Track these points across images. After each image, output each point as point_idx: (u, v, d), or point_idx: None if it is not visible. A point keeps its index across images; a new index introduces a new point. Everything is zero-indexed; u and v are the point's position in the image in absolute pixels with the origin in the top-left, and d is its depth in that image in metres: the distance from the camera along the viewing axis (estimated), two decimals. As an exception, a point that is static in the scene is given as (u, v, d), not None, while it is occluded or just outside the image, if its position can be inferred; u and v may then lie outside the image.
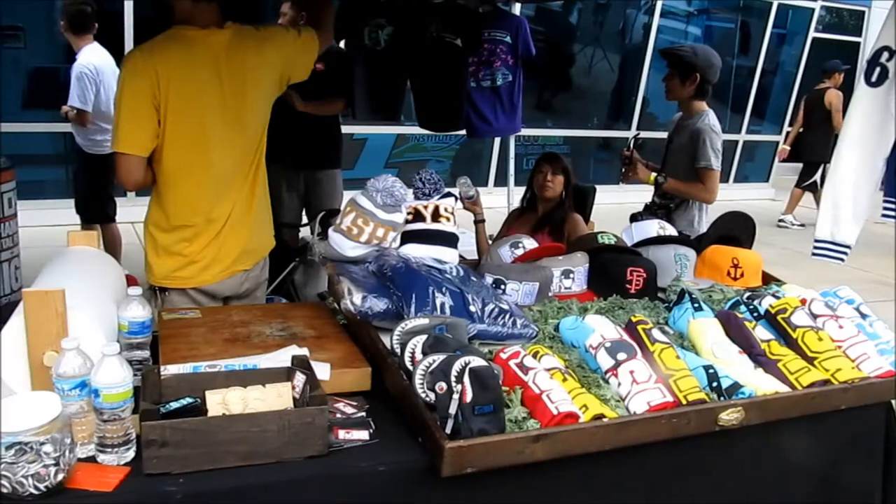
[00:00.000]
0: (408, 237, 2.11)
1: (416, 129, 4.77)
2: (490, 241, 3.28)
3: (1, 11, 7.09)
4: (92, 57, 4.94)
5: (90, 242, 1.94)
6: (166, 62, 2.18)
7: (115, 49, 5.31)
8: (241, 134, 2.34)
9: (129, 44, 7.03)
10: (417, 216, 2.13)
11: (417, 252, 2.05)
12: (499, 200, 5.49)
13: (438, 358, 1.55)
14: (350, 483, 1.47)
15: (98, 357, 1.44)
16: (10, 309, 3.91)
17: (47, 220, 5.64)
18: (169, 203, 2.31)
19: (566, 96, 9.84)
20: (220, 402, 1.53)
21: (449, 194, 2.21)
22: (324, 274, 4.26)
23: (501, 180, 7.74)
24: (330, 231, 2.08)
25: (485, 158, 8.75)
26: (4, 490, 1.29)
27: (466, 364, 1.49)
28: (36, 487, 1.29)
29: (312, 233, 4.13)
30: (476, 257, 2.92)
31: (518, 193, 3.95)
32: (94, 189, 5.21)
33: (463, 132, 4.66)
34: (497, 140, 8.05)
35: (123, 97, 2.18)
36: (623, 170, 3.47)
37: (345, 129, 4.85)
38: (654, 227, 2.64)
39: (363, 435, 1.56)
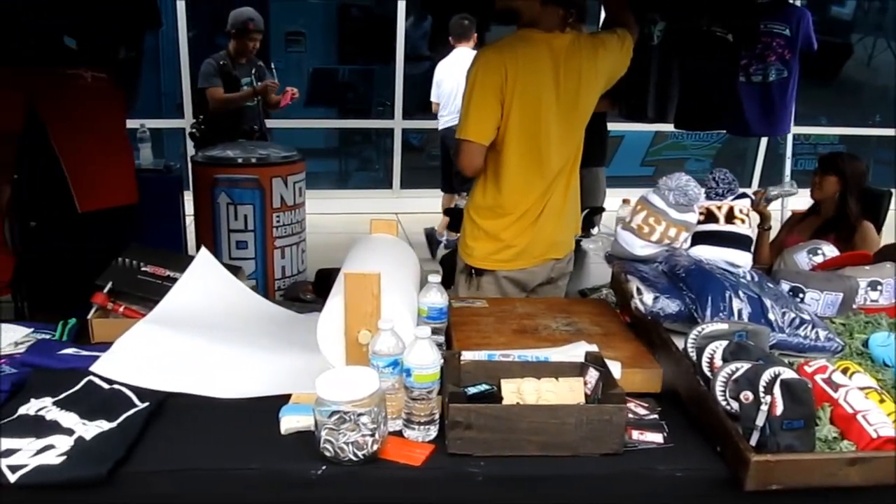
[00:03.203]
0: (699, 238, 2.04)
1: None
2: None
3: (286, 19, 7.80)
4: (446, 59, 5.98)
5: (390, 230, 2.07)
6: (515, 60, 2.37)
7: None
8: (570, 132, 2.52)
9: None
10: (710, 217, 2.05)
11: (709, 254, 1.98)
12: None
13: (743, 366, 1.48)
14: (645, 485, 1.44)
15: (409, 338, 1.53)
16: (295, 288, 4.26)
17: (320, 209, 6.07)
18: (497, 191, 2.50)
19: (842, 91, 9.05)
20: (514, 392, 1.57)
21: (744, 195, 2.11)
22: (587, 269, 4.27)
23: (766, 181, 7.30)
24: (618, 229, 2.07)
25: (749, 158, 8.28)
26: (327, 454, 1.40)
27: (777, 375, 1.41)
28: (355, 454, 1.40)
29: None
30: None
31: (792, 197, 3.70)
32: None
33: (723, 130, 4.44)
34: (764, 139, 7.60)
35: (474, 90, 2.39)
36: None
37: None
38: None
39: (657, 438, 1.53)
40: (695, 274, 1.83)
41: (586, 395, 1.57)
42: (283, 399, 1.61)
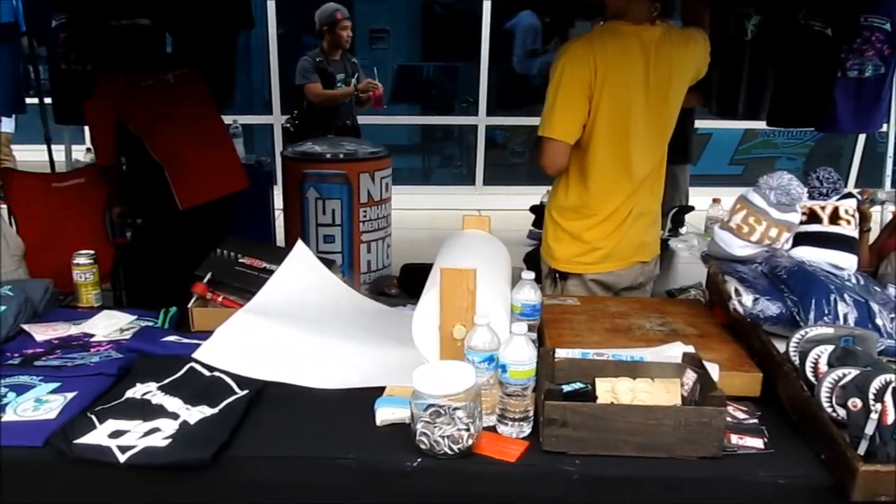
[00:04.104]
0: (801, 239, 1.97)
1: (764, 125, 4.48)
2: None
3: (371, 16, 7.89)
4: None
5: (482, 226, 2.07)
6: (604, 53, 2.26)
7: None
8: (658, 130, 2.42)
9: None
10: (813, 217, 1.99)
11: (812, 255, 1.92)
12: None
13: (851, 372, 1.43)
14: (746, 491, 1.41)
15: (504, 334, 1.53)
16: (380, 283, 4.31)
17: (403, 205, 6.12)
18: (583, 191, 2.40)
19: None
20: (609, 391, 1.55)
21: (850, 195, 2.03)
22: (675, 269, 4.19)
23: (864, 181, 7.01)
24: (716, 228, 2.02)
25: (845, 157, 7.97)
26: (423, 446, 1.42)
27: (888, 382, 1.35)
28: (450, 448, 1.41)
29: (663, 229, 4.06)
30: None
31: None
32: None
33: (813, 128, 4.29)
34: (861, 137, 7.30)
35: (561, 85, 2.28)
36: None
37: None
38: None
39: (757, 443, 1.49)
40: (797, 275, 1.77)
41: (683, 396, 1.54)
42: (376, 391, 1.63)
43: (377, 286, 4.13)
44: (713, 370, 1.64)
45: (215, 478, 1.43)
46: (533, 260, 3.42)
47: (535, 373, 1.49)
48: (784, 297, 1.75)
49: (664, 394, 1.54)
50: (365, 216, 4.41)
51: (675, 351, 1.68)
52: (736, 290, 1.81)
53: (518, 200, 6.47)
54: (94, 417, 1.54)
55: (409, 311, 2.12)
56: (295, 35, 7.76)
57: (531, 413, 1.50)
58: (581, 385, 1.55)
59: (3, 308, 2.02)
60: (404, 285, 3.96)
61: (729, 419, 1.55)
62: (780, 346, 1.67)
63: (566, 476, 1.40)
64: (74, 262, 2.22)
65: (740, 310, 1.77)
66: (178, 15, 3.42)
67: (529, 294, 1.79)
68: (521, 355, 1.44)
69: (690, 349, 1.69)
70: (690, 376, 1.55)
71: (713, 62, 4.03)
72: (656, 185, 2.49)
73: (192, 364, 1.74)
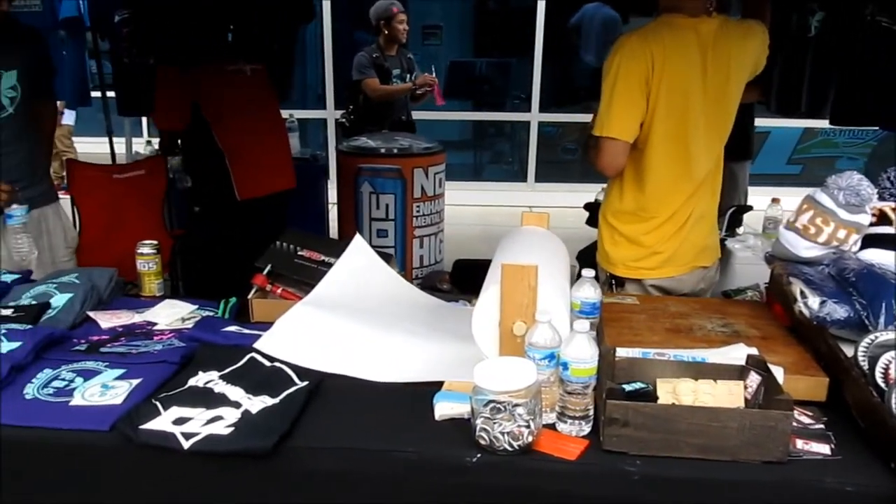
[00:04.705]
0: (870, 241, 1.92)
1: (825, 123, 4.37)
2: None
3: (423, 13, 7.91)
4: None
5: (541, 223, 2.05)
6: (662, 48, 2.18)
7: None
8: (717, 127, 2.32)
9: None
10: (883, 219, 1.93)
11: (883, 258, 1.86)
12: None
13: (924, 378, 1.39)
14: (812, 497, 1.38)
15: (565, 332, 1.52)
16: (432, 278, 4.32)
17: (454, 200, 6.12)
18: (640, 193, 2.32)
19: None
20: (670, 391, 1.53)
21: (922, 196, 1.97)
22: (732, 270, 4.12)
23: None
24: (781, 229, 1.97)
25: (910, 157, 7.77)
26: (482, 442, 1.42)
27: (965, 390, 1.31)
28: (510, 444, 1.40)
29: (721, 228, 3.99)
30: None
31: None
32: None
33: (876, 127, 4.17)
34: (928, 136, 7.08)
35: (618, 81, 2.20)
36: None
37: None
38: None
39: (824, 449, 1.46)
40: (867, 278, 1.73)
41: (746, 399, 1.51)
42: (434, 385, 1.63)
43: (429, 281, 4.14)
44: (777, 373, 1.61)
45: (276, 467, 1.44)
46: (586, 258, 3.40)
47: (597, 371, 1.48)
48: (852, 300, 1.71)
49: (727, 396, 1.52)
50: (418, 211, 4.43)
51: (738, 353, 1.65)
52: (802, 293, 1.77)
53: (570, 198, 6.41)
54: (158, 404, 1.57)
55: (465, 307, 2.13)
56: (348, 31, 7.82)
57: (591, 412, 1.49)
58: (642, 385, 1.54)
59: (71, 295, 2.07)
60: (456, 281, 3.96)
61: (795, 423, 1.52)
62: (847, 351, 1.62)
63: (627, 476, 1.39)
64: (138, 251, 2.27)
65: (806, 312, 1.73)
66: (241, 9, 3.47)
67: (589, 292, 1.77)
68: (583, 353, 1.43)
69: (754, 351, 1.66)
70: (754, 379, 1.52)
71: (774, 58, 3.95)
72: (716, 185, 2.40)
73: (253, 354, 1.77)
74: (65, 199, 3.30)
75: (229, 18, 3.54)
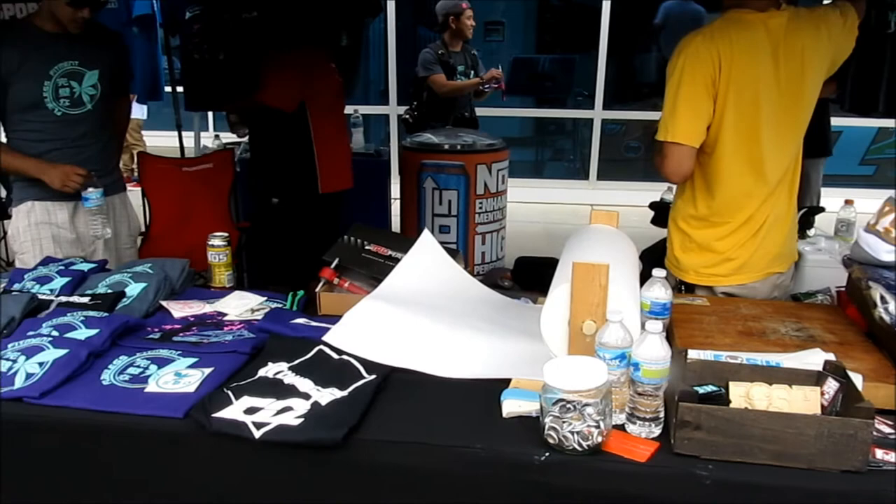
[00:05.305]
0: (955, 245, 1.85)
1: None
2: None
3: (486, 9, 7.91)
4: None
5: (610, 221, 2.03)
6: (729, 47, 2.09)
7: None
8: (792, 126, 2.22)
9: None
10: (969, 222, 1.86)
11: (968, 263, 1.80)
12: None
13: None
14: (892, 509, 1.34)
15: (636, 332, 1.51)
16: (493, 275, 4.31)
17: (515, 197, 6.11)
18: (710, 198, 2.24)
19: None
20: (743, 395, 1.50)
21: None
22: (802, 273, 4.02)
23: None
24: (861, 231, 1.92)
25: None
26: (551, 441, 1.41)
27: None
28: (579, 444, 1.39)
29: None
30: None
31: None
32: None
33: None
34: None
35: (682, 83, 2.12)
36: None
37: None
38: None
39: (905, 459, 1.41)
40: (950, 284, 1.67)
41: (822, 406, 1.48)
42: (500, 382, 1.63)
43: (491, 278, 4.12)
44: (857, 380, 1.56)
45: (344, 459, 1.46)
46: (650, 258, 3.35)
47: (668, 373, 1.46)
48: (936, 306, 1.65)
49: (802, 402, 1.48)
50: (481, 207, 4.42)
51: (814, 358, 1.61)
52: (882, 297, 1.72)
53: (633, 196, 6.34)
54: (230, 393, 1.60)
55: (530, 304, 2.13)
56: (411, 27, 7.85)
57: (662, 414, 1.47)
58: (714, 388, 1.51)
59: (145, 285, 2.13)
60: (518, 278, 3.94)
61: (874, 432, 1.48)
62: (932, 359, 1.57)
63: (698, 480, 1.36)
64: (209, 243, 2.31)
65: (886, 318, 1.68)
66: (311, 4, 3.50)
67: (660, 292, 1.75)
68: (655, 354, 1.41)
69: (831, 356, 1.62)
70: (832, 385, 1.48)
71: (849, 56, 3.86)
72: (794, 186, 2.29)
73: (321, 347, 1.79)
74: (133, 191, 3.39)
75: (298, 15, 3.58)
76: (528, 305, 2.12)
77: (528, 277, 3.58)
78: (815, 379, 1.52)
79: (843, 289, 2.23)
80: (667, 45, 7.19)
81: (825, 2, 3.20)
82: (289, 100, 3.46)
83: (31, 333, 1.81)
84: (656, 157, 2.26)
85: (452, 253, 2.17)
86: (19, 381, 1.64)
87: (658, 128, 2.20)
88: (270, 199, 3.59)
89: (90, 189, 2.71)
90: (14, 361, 1.70)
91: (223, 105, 4.09)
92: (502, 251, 4.66)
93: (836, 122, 6.91)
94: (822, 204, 4.73)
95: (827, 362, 1.53)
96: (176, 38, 5.15)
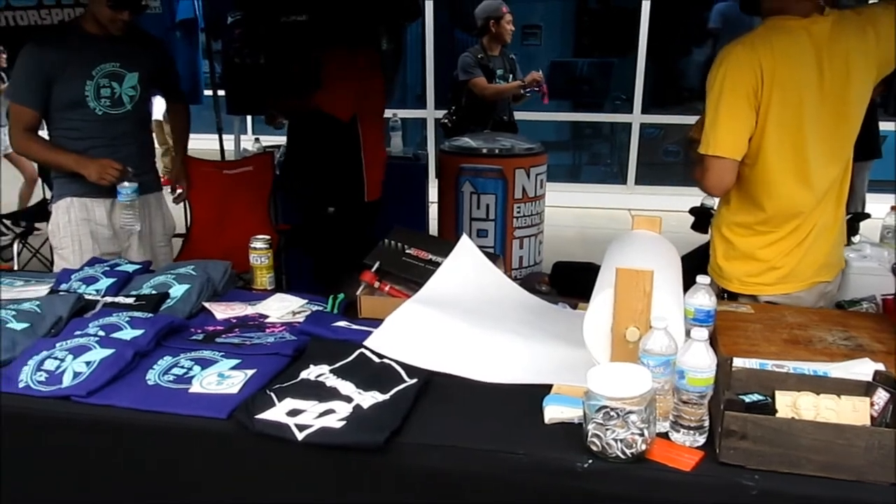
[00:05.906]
0: None
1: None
2: None
3: (523, 12, 7.90)
4: None
5: (653, 227, 2.01)
6: (771, 56, 2.04)
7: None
8: (840, 134, 2.17)
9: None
10: None
11: None
12: None
13: None
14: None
15: (680, 339, 1.49)
16: (531, 279, 4.30)
17: (551, 202, 6.09)
18: (755, 207, 2.20)
19: None
20: (789, 405, 1.47)
21: None
22: (847, 280, 3.95)
23: None
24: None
25: None
26: (594, 448, 1.39)
27: None
28: (623, 452, 1.37)
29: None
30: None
31: None
32: None
33: None
34: None
35: (723, 95, 2.08)
36: None
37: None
38: None
39: (958, 473, 1.38)
40: None
41: (872, 417, 1.45)
42: (542, 388, 1.62)
43: (528, 282, 4.10)
44: (906, 391, 1.53)
45: (386, 462, 1.46)
46: (689, 263, 3.30)
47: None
48: None
49: (851, 412, 1.45)
50: (519, 212, 4.42)
51: (863, 367, 1.58)
52: (932, 307, 1.68)
53: (671, 201, 6.29)
54: (273, 395, 1.61)
55: (568, 309, 2.11)
56: (449, 31, 7.86)
57: (706, 423, 1.45)
58: (760, 397, 1.48)
59: (189, 286, 2.16)
60: (556, 283, 3.92)
61: (925, 446, 1.45)
62: (985, 370, 1.53)
63: (744, 490, 1.34)
64: (252, 245, 2.34)
65: (937, 329, 1.64)
66: (353, 8, 3.53)
67: (704, 299, 1.73)
68: (701, 362, 1.39)
69: (881, 367, 1.59)
70: (882, 396, 1.45)
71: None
72: (842, 194, 2.23)
73: (362, 350, 1.79)
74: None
75: (339, 19, 3.60)
76: (568, 311, 2.11)
77: (566, 282, 3.56)
78: (864, 389, 1.49)
79: (889, 296, 2.19)
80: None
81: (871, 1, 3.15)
82: (345, 109, 3.46)
83: (78, 333, 1.84)
84: (696, 169, 2.22)
85: (493, 258, 2.16)
86: (67, 380, 1.67)
87: (691, 136, 2.18)
88: (324, 206, 3.61)
89: (125, 183, 2.80)
90: (62, 360, 1.73)
91: (274, 106, 4.10)
92: (540, 256, 4.65)
93: (881, 126, 6.81)
94: (867, 210, 4.65)
95: (877, 372, 1.51)
96: (218, 43, 5.22)
